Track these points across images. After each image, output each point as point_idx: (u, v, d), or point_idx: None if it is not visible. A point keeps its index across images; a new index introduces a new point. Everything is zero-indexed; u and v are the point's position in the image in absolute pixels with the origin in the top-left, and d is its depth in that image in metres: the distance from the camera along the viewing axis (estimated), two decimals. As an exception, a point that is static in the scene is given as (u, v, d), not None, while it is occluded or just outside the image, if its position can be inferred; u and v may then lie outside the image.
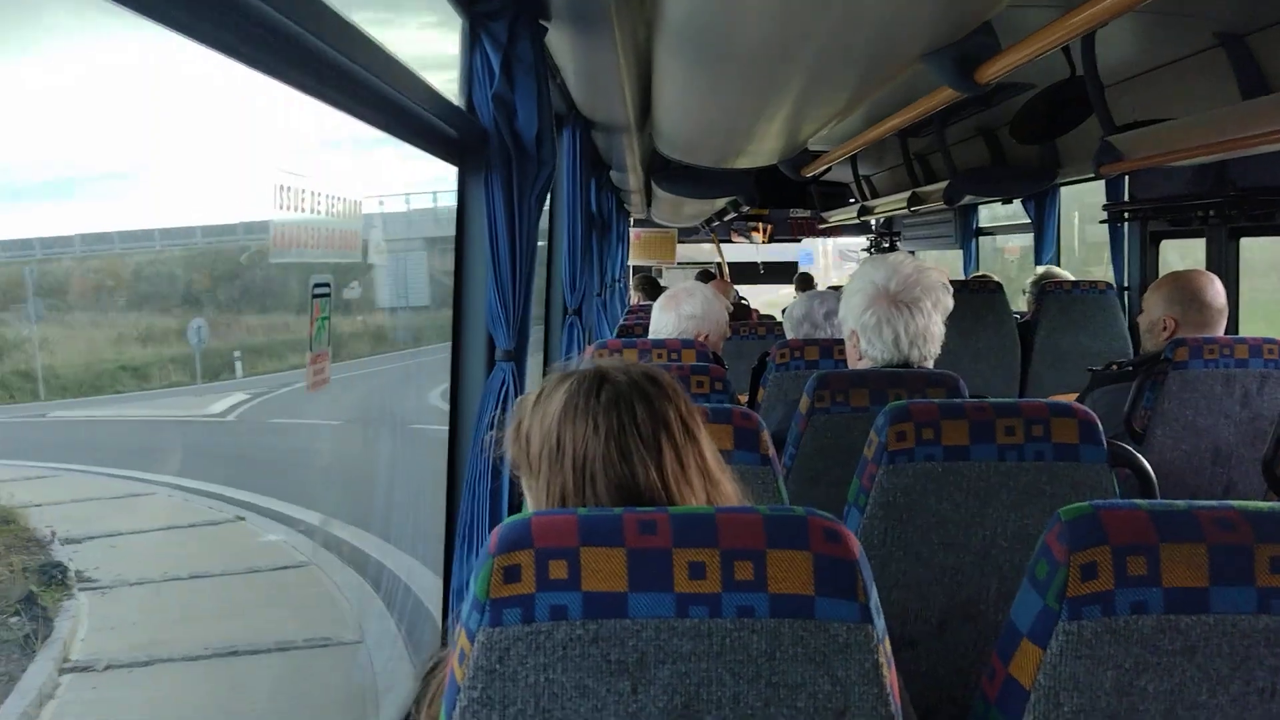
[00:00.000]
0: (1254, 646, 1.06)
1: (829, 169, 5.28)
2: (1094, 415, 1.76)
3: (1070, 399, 2.63)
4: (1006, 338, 4.55)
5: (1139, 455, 1.91)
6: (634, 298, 8.54)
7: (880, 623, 1.01)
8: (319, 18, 1.36)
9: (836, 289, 3.39)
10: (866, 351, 2.32)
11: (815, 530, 1.01)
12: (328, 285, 1.94)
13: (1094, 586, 1.07)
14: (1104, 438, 1.76)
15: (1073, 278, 4.94)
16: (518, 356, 2.29)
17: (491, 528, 2.21)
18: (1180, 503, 1.10)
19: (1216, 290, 2.88)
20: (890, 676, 1.01)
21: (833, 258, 16.86)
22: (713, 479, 1.20)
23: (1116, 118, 3.28)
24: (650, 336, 3.24)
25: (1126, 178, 4.54)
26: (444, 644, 1.46)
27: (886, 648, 1.01)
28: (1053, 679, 1.08)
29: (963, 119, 5.00)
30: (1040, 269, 5.32)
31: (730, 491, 1.21)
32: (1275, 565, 1.06)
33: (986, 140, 5.42)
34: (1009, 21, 2.24)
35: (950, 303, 2.33)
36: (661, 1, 2.38)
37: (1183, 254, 4.82)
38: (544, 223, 2.43)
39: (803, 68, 2.64)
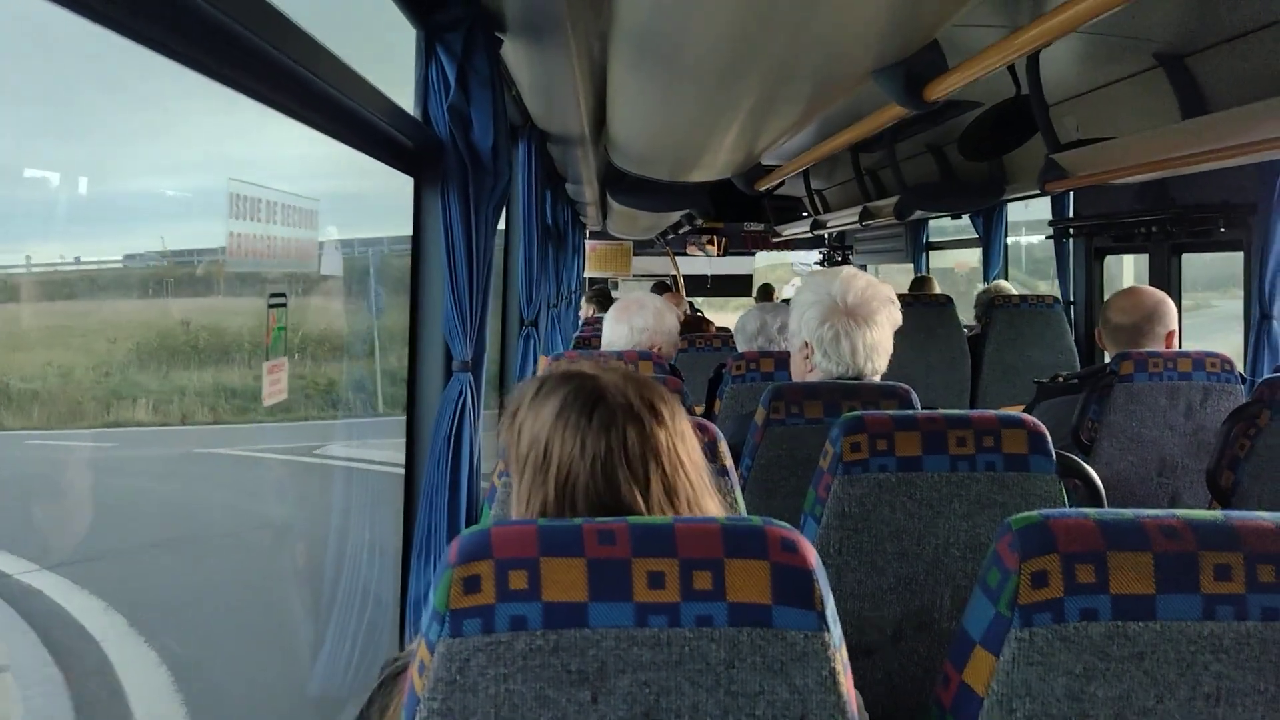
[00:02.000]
0: (1200, 653, 1.09)
1: (782, 183, 5.32)
2: (1043, 427, 1.79)
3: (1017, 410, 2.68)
4: (957, 351, 4.62)
5: (1087, 466, 1.95)
6: (586, 310, 8.53)
7: (836, 630, 1.02)
8: (275, 27, 1.35)
9: (787, 302, 3.41)
10: (820, 364, 2.32)
11: (773, 540, 1.02)
12: (283, 295, 1.93)
13: (1045, 594, 1.09)
14: (1053, 449, 1.80)
15: (1019, 292, 5.02)
16: (475, 367, 2.29)
17: (449, 538, 2.21)
18: (1127, 511, 1.12)
19: (1134, 305, 2.89)
20: (847, 684, 1.02)
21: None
22: (700, 504, 1.18)
23: (1061, 136, 3.34)
24: (605, 348, 3.24)
25: (1072, 194, 4.64)
26: (400, 651, 1.45)
27: (843, 655, 1.02)
28: (1006, 686, 1.10)
29: (913, 135, 5.06)
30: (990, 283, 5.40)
31: (715, 514, 1.18)
32: (1220, 573, 1.09)
33: (936, 157, 5.49)
34: (956, 41, 2.27)
35: (899, 316, 2.35)
36: (616, 16, 2.39)
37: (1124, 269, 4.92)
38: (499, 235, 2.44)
39: (754, 82, 2.67)
